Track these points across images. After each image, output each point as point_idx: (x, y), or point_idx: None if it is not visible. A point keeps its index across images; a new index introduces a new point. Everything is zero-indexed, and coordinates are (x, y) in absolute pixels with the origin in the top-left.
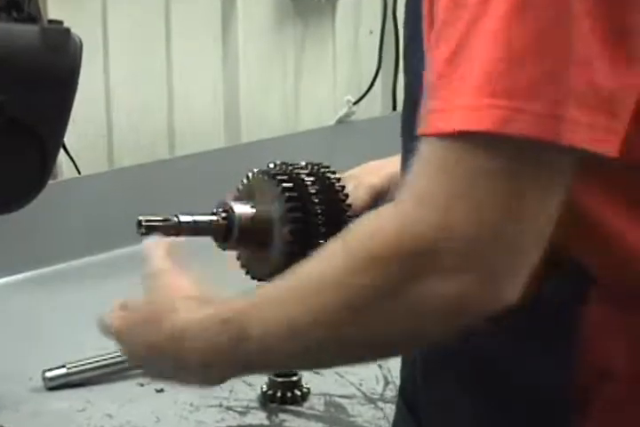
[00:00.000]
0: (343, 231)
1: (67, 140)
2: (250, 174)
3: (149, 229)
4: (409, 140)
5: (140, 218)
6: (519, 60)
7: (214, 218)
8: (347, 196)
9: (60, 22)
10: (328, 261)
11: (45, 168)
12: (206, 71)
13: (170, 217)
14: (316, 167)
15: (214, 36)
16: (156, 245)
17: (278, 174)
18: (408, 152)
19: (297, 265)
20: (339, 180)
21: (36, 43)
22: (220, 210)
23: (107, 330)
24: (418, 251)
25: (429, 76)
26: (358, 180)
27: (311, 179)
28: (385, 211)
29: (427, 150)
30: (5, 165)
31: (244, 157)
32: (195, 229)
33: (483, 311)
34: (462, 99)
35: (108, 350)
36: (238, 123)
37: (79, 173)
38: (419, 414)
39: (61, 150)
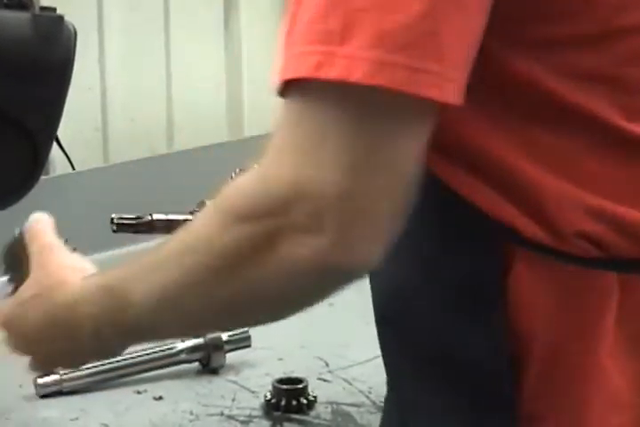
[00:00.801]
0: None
1: (60, 134)
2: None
3: (121, 227)
4: None
5: (113, 216)
6: (329, 9)
7: (189, 217)
8: None
9: (53, 9)
10: (202, 220)
11: (37, 164)
12: (207, 60)
13: (143, 215)
14: None
15: (216, 22)
16: (42, 222)
17: None
18: None
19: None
20: None
21: (27, 31)
22: (197, 209)
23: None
24: (272, 210)
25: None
26: None
27: None
28: (253, 169)
29: (281, 107)
30: None
31: (247, 151)
32: (168, 228)
33: (342, 273)
34: (290, 50)
35: None
36: (241, 115)
37: (73, 168)
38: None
39: (54, 145)
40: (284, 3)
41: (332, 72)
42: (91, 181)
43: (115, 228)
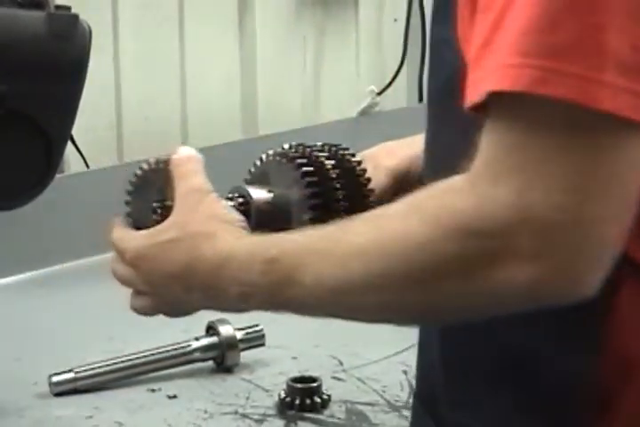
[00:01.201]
0: (405, 195)
1: (74, 132)
2: (264, 156)
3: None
4: (439, 113)
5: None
6: (557, 20)
7: (231, 203)
8: (368, 180)
9: (68, 8)
10: (400, 224)
11: (51, 162)
12: (221, 59)
13: None
14: (334, 149)
15: (230, 20)
16: (193, 161)
17: (297, 157)
18: (438, 125)
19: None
20: (359, 163)
21: (42, 30)
22: (236, 195)
23: (119, 257)
24: (493, 232)
25: (473, 48)
26: (376, 161)
27: (331, 162)
28: (459, 184)
29: (490, 119)
30: (8, 159)
31: (261, 150)
32: None
33: (555, 301)
34: (492, 60)
35: (118, 353)
36: (255, 114)
37: (87, 166)
38: (439, 415)
39: (69, 143)
40: (298, 1)
41: (561, 90)
42: (105, 180)
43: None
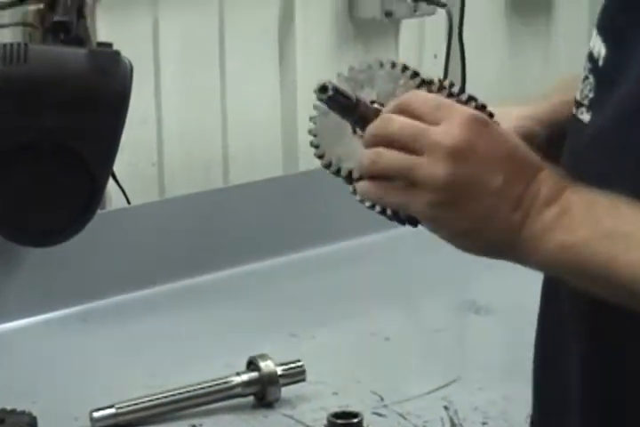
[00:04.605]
0: None
1: (115, 167)
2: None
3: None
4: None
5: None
6: None
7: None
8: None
9: (110, 45)
10: None
11: (94, 198)
12: (263, 95)
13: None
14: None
15: (271, 57)
16: None
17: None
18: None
19: None
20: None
21: (85, 66)
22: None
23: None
24: None
25: None
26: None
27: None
28: None
29: None
30: (52, 194)
31: (301, 186)
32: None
33: None
34: None
35: (159, 389)
36: (296, 150)
37: (129, 202)
38: None
39: (110, 179)
40: (340, 37)
41: None
42: (146, 216)
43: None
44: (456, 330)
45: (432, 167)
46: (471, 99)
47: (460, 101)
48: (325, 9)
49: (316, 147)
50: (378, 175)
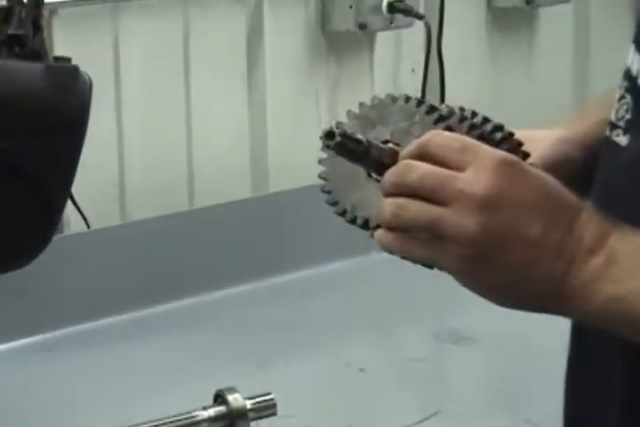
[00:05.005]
0: None
1: (74, 189)
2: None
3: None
4: None
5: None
6: None
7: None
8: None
9: (68, 59)
10: None
11: (51, 222)
12: (230, 113)
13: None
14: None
15: (239, 73)
16: None
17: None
18: None
19: None
20: (526, 154)
21: (41, 82)
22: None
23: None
24: None
25: None
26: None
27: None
28: None
29: None
30: (5, 218)
31: (271, 208)
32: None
33: None
34: None
35: (120, 423)
36: (266, 170)
37: (88, 226)
38: None
39: (68, 201)
40: (312, 50)
41: None
42: (107, 240)
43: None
44: (435, 360)
45: (461, 219)
46: (497, 128)
47: (485, 135)
48: (296, 21)
49: (329, 193)
50: (401, 228)
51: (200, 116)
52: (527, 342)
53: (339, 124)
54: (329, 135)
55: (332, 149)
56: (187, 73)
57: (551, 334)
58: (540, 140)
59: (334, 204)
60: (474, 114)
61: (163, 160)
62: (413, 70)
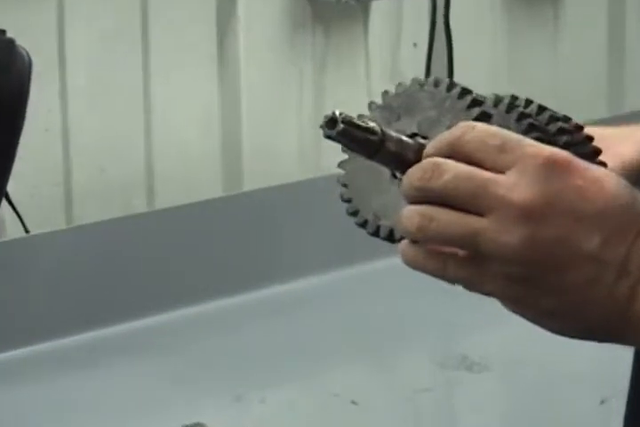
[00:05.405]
0: None
1: (10, 188)
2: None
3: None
4: None
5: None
6: None
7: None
8: (604, 164)
9: (2, 31)
10: None
11: None
12: (197, 98)
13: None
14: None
15: (207, 50)
16: None
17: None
18: None
19: None
20: (596, 151)
21: None
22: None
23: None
24: None
25: None
26: (605, 143)
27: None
28: None
29: None
30: None
31: (246, 209)
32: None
33: None
34: None
35: None
36: (239, 165)
37: (27, 231)
38: None
39: (4, 203)
40: (295, 22)
41: None
42: (49, 247)
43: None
44: (442, 391)
45: (501, 233)
46: (555, 119)
47: (537, 126)
48: None
49: (348, 201)
50: (429, 242)
51: (161, 101)
52: (545, 368)
53: (360, 116)
54: (330, 123)
55: (335, 140)
56: (145, 53)
57: (572, 359)
58: (620, 138)
59: (354, 213)
60: (528, 102)
61: (116, 154)
62: (415, 45)
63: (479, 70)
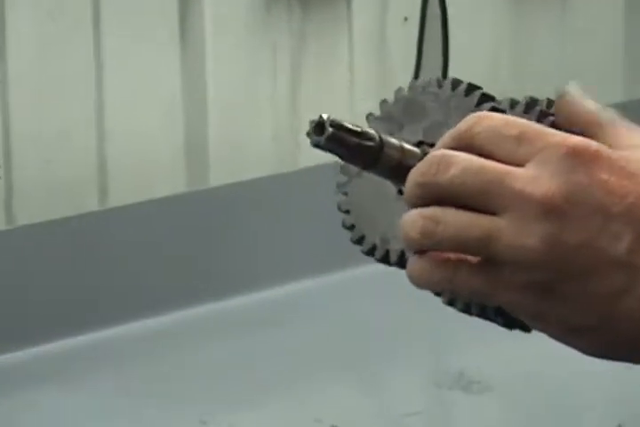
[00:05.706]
0: None
1: None
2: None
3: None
4: None
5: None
6: None
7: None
8: None
9: None
10: None
11: None
12: (156, 84)
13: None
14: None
15: (168, 30)
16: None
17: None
18: None
19: None
20: None
21: None
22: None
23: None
24: None
25: None
26: None
27: None
28: None
29: None
30: None
31: (212, 207)
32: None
33: None
34: None
35: None
36: (205, 158)
37: None
38: None
39: None
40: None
41: None
42: None
43: (329, 133)
44: (436, 414)
45: (519, 234)
46: None
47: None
48: None
49: (351, 228)
50: (435, 250)
51: (114, 86)
52: (554, 388)
53: (329, 117)
54: (318, 128)
55: (325, 149)
56: (96, 33)
57: (585, 378)
58: None
59: (359, 241)
60: (550, 102)
61: (63, 146)
62: (406, 19)
63: (478, 47)
